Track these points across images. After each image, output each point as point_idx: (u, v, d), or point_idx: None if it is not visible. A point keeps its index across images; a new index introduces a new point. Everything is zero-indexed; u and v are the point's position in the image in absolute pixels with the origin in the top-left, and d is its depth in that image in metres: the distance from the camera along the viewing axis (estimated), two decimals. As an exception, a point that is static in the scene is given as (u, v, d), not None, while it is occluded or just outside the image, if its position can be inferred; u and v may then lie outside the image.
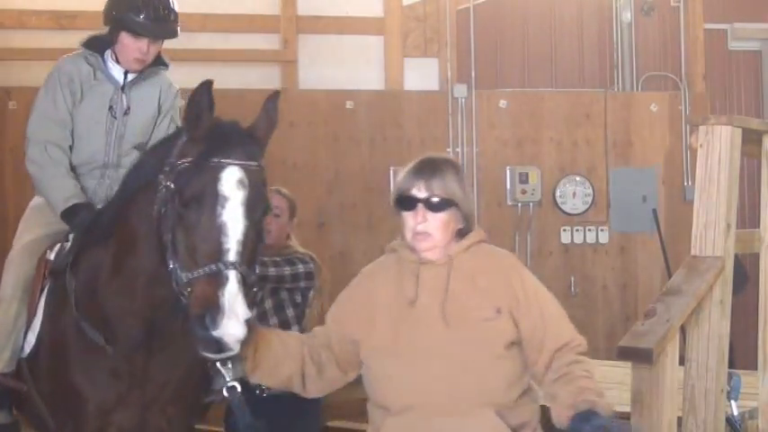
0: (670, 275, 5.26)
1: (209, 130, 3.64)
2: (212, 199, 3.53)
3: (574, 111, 9.57)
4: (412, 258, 3.65)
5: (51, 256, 4.51)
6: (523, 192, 9.30)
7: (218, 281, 3.41)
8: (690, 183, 9.24)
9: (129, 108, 4.76)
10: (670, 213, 9.46)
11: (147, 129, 4.83)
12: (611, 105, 9.61)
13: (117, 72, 4.76)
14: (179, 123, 4.72)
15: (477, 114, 9.45)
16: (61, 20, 8.53)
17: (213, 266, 3.44)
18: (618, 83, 9.87)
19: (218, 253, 3.47)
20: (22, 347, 4.47)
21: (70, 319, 4.24)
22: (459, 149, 9.32)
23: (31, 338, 4.43)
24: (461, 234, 3.68)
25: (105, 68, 4.75)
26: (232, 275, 3.42)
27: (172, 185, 3.64)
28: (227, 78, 8.91)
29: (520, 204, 9.35)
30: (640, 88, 9.86)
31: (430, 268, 3.63)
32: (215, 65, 8.89)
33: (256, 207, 3.59)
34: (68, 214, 4.54)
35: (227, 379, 3.57)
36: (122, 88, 4.76)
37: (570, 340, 3.60)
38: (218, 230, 3.49)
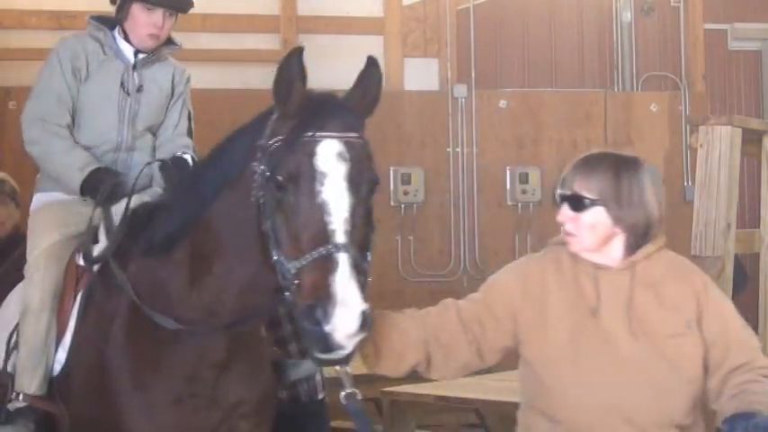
0: (670, 275, 5.25)
1: (302, 103, 3.22)
2: (310, 176, 3.11)
3: (574, 111, 9.57)
4: (588, 261, 3.30)
5: (81, 261, 4.02)
6: (523, 192, 9.31)
7: (327, 266, 2.98)
8: (690, 183, 9.23)
9: (141, 86, 4.38)
10: (670, 213, 9.44)
11: (161, 110, 4.48)
12: (611, 105, 9.61)
13: (127, 51, 4.38)
14: (191, 109, 4.56)
15: (477, 114, 9.46)
16: (61, 20, 8.53)
17: (322, 249, 3.00)
18: (618, 83, 9.88)
19: (325, 235, 3.03)
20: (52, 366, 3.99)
21: (122, 316, 3.77)
22: (459, 149, 9.33)
23: (62, 355, 3.93)
24: (645, 239, 3.29)
25: (115, 45, 4.37)
26: (343, 258, 2.98)
27: (265, 169, 3.21)
28: (227, 78, 8.94)
29: (520, 204, 9.35)
30: (640, 88, 9.87)
31: (609, 274, 3.28)
32: (215, 65, 8.90)
33: (361, 182, 3.14)
34: (90, 184, 4.11)
35: (346, 384, 3.14)
36: (134, 67, 4.38)
37: (751, 360, 3.22)
38: (320, 210, 3.07)
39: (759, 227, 5.49)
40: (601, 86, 9.78)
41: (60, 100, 4.28)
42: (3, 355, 4.08)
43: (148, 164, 4.27)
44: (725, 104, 9.96)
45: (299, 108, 3.21)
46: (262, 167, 3.23)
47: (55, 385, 3.92)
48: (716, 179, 4.92)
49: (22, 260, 4.39)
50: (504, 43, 9.83)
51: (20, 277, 4.25)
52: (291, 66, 3.18)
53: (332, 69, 9.16)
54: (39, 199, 4.37)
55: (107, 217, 4.01)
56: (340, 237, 3.02)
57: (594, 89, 9.74)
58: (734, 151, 4.99)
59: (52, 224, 4.15)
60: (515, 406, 3.44)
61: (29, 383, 3.90)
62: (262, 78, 8.94)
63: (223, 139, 3.60)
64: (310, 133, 3.15)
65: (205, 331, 3.63)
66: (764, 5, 10.10)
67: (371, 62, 3.37)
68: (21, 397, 3.91)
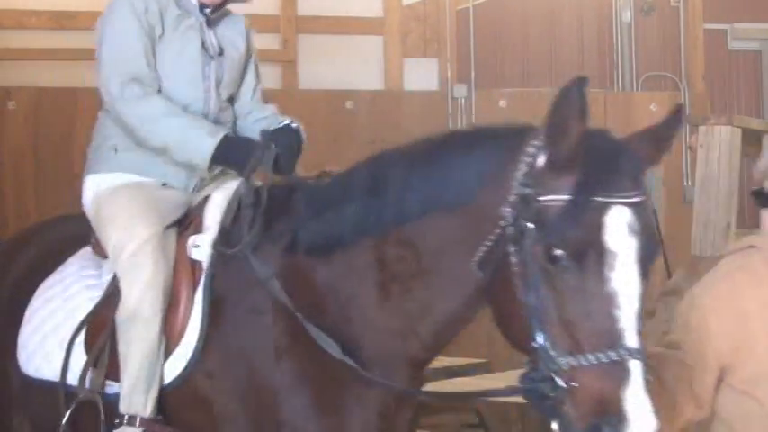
0: (670, 275, 5.25)
1: (581, 150, 2.60)
2: (597, 255, 2.57)
3: (574, 111, 9.56)
4: None
5: (193, 254, 3.37)
6: (523, 191, 9.29)
7: (616, 374, 2.49)
8: (689, 183, 9.22)
9: (222, 48, 3.73)
10: (670, 214, 9.45)
11: (240, 75, 3.84)
12: (610, 105, 9.60)
13: (193, 7, 3.72)
14: (259, 70, 3.96)
15: (477, 114, 9.45)
16: (61, 20, 8.53)
17: (612, 354, 2.51)
18: (618, 83, 9.88)
19: (613, 334, 2.53)
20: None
21: (275, 326, 3.17)
22: (459, 149, 9.34)
23: (174, 367, 3.28)
24: None
25: None
26: (636, 368, 2.50)
27: (531, 227, 2.63)
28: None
29: (519, 204, 9.34)
30: (640, 88, 9.87)
31: None
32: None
33: (648, 260, 2.63)
34: (227, 153, 3.40)
35: None
36: (207, 24, 3.72)
37: None
38: (608, 301, 2.55)
39: (759, 227, 5.49)
40: (600, 86, 9.78)
41: (148, 60, 3.57)
42: (59, 363, 3.45)
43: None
44: (725, 104, 9.97)
45: (575, 154, 2.60)
46: (524, 222, 2.65)
47: (162, 403, 3.30)
48: (716, 179, 4.91)
49: (21, 250, 3.92)
50: (504, 43, 9.84)
51: (24, 270, 3.79)
52: (571, 99, 2.60)
53: (332, 69, 9.25)
54: (103, 181, 3.62)
55: (249, 194, 3.32)
56: (632, 339, 2.53)
57: (594, 89, 9.73)
58: (734, 151, 4.98)
59: (145, 211, 3.44)
60: (515, 406, 3.37)
61: (143, 405, 3.26)
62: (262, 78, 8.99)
63: (446, 141, 3.02)
64: (599, 198, 2.57)
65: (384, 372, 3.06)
66: (764, 5, 10.11)
67: (679, 110, 2.80)
68: (137, 422, 3.26)
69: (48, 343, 3.54)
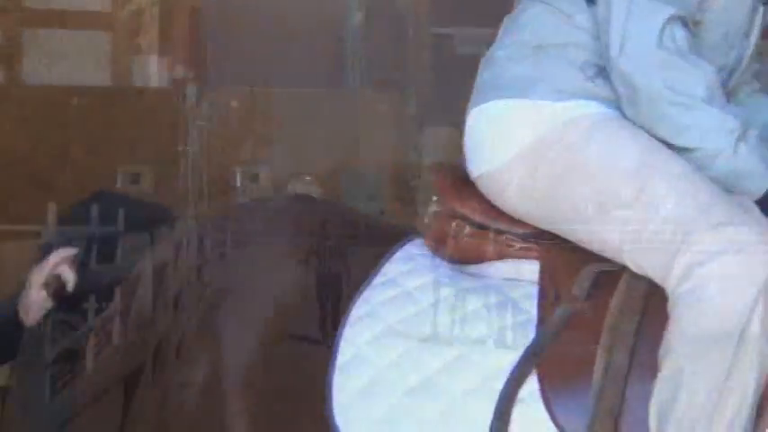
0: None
1: None
2: None
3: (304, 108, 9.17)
4: None
5: None
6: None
7: None
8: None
9: None
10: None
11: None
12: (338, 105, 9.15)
13: None
14: None
15: (208, 113, 9.23)
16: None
17: None
18: (348, 84, 8.88)
19: None
20: None
21: None
22: (189, 147, 9.40)
23: None
24: None
25: None
26: None
27: None
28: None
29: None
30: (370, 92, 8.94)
31: None
32: None
33: None
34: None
35: None
36: None
37: None
38: None
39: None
40: (331, 86, 8.97)
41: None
42: None
43: None
44: (452, 107, 8.72)
45: None
46: None
47: None
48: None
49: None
50: (238, 43, 8.70)
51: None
52: None
53: (57, 65, 8.47)
54: (562, 112, 2.10)
55: None
56: None
57: (321, 88, 8.98)
58: (454, 152, 5.98)
59: (691, 170, 1.96)
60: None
61: None
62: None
63: None
64: None
65: None
66: (488, 10, 7.92)
67: None
68: None
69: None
